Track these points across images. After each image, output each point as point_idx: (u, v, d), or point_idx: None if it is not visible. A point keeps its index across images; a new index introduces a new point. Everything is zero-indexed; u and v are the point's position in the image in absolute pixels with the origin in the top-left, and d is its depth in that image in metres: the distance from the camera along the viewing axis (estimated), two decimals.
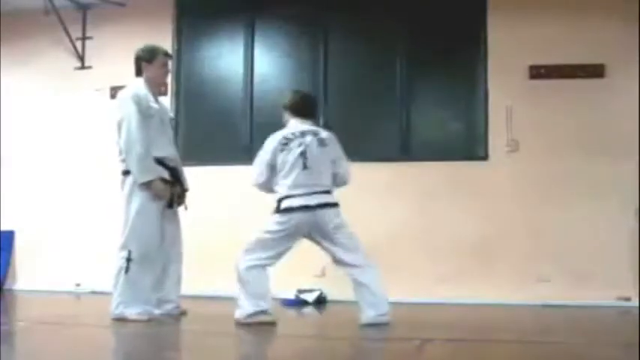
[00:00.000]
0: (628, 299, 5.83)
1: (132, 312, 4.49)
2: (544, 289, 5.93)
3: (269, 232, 4.44)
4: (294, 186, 4.43)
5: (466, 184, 6.30)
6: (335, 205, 4.50)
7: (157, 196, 4.61)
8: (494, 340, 4.00)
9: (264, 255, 4.42)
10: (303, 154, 4.46)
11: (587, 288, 5.85)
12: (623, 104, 6.07)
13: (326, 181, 4.53)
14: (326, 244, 4.47)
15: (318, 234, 4.46)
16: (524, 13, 6.26)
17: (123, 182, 4.68)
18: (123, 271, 4.53)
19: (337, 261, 4.50)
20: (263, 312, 4.37)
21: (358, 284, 4.40)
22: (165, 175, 4.69)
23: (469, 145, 6.50)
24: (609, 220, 5.97)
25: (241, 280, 4.40)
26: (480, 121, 6.40)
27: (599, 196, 5.99)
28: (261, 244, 4.44)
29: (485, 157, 6.33)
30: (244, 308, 4.36)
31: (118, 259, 4.57)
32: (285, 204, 4.40)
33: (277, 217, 4.42)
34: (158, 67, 4.81)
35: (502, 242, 6.13)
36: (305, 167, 4.45)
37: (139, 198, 4.59)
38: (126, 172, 4.64)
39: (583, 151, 6.09)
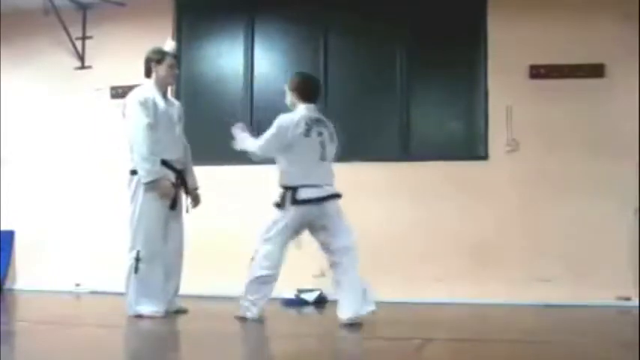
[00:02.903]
0: (628, 299, 5.83)
1: (146, 309, 4.62)
2: (544, 289, 5.92)
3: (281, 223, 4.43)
4: (309, 176, 4.44)
5: (466, 183, 6.30)
6: (339, 196, 4.53)
7: (162, 195, 4.69)
8: (494, 340, 4.00)
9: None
10: (321, 144, 4.50)
11: (587, 288, 5.85)
12: (623, 104, 6.06)
13: (332, 175, 4.57)
14: (322, 233, 4.48)
15: (322, 223, 4.46)
16: (525, 13, 6.26)
17: (130, 181, 4.75)
18: (133, 271, 4.64)
19: (327, 249, 4.49)
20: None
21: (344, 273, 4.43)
22: (171, 177, 4.79)
23: (469, 145, 6.50)
24: (609, 219, 5.97)
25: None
26: (480, 121, 6.40)
27: (599, 195, 5.99)
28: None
29: (485, 157, 6.33)
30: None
31: (128, 260, 4.68)
32: (301, 195, 4.39)
33: (290, 207, 4.39)
34: (167, 67, 4.92)
35: (502, 242, 6.13)
36: (322, 159, 4.50)
37: (143, 198, 4.68)
38: (133, 172, 4.71)
39: (583, 150, 6.09)
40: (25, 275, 7.10)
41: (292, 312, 5.56)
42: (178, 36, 7.06)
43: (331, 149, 4.60)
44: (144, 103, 4.70)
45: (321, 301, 5.96)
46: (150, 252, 4.65)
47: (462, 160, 6.38)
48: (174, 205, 4.82)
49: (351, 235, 4.51)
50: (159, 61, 4.89)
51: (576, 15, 6.19)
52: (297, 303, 5.86)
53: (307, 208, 4.41)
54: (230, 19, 7.05)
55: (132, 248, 4.67)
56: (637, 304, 5.69)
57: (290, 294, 5.93)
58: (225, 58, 7.09)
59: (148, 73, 4.92)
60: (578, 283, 5.89)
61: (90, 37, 7.16)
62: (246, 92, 6.86)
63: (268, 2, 6.92)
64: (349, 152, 6.48)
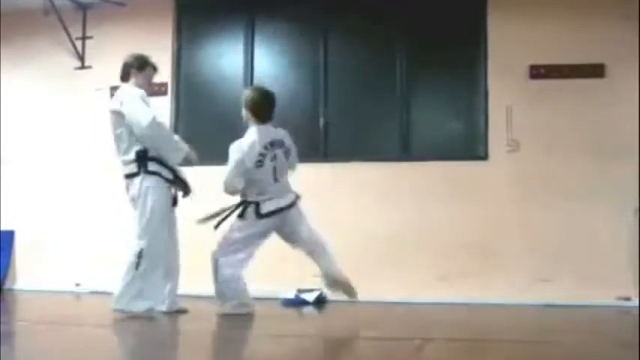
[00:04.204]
0: (628, 299, 5.83)
1: (138, 307, 4.59)
2: (544, 289, 5.93)
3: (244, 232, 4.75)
4: (265, 194, 4.72)
5: (466, 183, 6.30)
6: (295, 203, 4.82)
7: (194, 164, 4.85)
8: (494, 340, 4.00)
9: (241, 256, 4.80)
10: (274, 169, 4.73)
11: (587, 288, 5.85)
12: (623, 104, 6.07)
13: (287, 190, 4.83)
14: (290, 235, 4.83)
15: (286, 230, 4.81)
16: (525, 13, 6.27)
17: (129, 184, 4.73)
18: (133, 267, 4.62)
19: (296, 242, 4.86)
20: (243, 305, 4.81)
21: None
22: (170, 176, 4.80)
23: (469, 145, 6.50)
24: (609, 220, 5.97)
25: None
26: (480, 121, 6.40)
27: (599, 195, 5.99)
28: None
29: (485, 157, 6.34)
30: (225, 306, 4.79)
31: (130, 255, 4.66)
32: (263, 209, 4.69)
33: (255, 220, 4.70)
34: (146, 77, 4.95)
35: (502, 242, 6.13)
36: (275, 180, 4.73)
37: (152, 196, 4.69)
38: (130, 175, 4.69)
39: (583, 151, 6.10)
40: (25, 275, 7.10)
41: (292, 312, 5.56)
42: (178, 36, 7.07)
43: (284, 167, 4.81)
44: (144, 98, 4.70)
45: (321, 301, 5.96)
46: (153, 250, 4.65)
47: (462, 160, 6.38)
48: (175, 201, 4.90)
49: (314, 230, 4.85)
50: (140, 69, 4.88)
51: (576, 15, 6.20)
52: (297, 303, 5.85)
53: (272, 220, 4.71)
54: (230, 19, 7.05)
55: (136, 245, 4.65)
56: (637, 304, 5.69)
57: (290, 294, 5.93)
58: (225, 58, 7.09)
59: (124, 77, 4.90)
60: (578, 283, 5.89)
61: (90, 37, 7.17)
62: None
63: (268, 2, 6.93)
64: (349, 152, 6.52)
